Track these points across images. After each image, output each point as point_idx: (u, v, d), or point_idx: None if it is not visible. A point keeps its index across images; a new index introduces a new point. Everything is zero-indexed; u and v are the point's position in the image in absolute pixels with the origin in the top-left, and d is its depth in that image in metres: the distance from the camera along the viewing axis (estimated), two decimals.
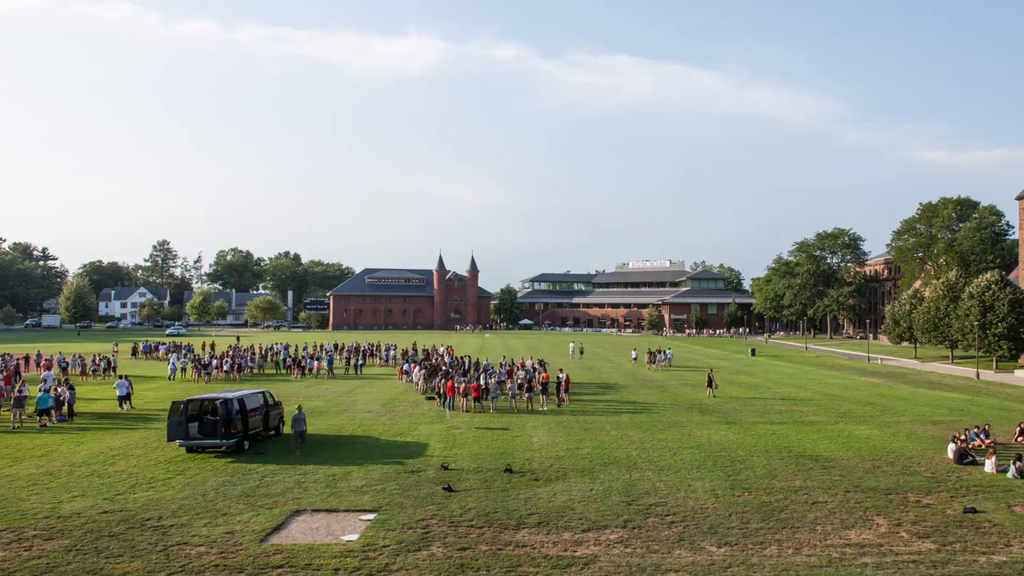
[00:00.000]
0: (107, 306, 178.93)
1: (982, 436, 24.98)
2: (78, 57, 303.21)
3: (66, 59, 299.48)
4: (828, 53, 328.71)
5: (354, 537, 15.07)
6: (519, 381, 36.06)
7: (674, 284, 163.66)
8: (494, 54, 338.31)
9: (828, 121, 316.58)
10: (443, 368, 43.32)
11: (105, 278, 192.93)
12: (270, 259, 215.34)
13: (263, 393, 26.77)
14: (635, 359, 64.85)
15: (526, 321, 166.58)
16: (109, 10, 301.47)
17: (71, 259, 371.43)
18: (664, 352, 61.44)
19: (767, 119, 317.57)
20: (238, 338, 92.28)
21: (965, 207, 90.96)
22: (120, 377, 35.91)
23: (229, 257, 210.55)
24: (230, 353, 52.31)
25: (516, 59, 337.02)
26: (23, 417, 28.95)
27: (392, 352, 63.82)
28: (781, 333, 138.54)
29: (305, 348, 65.33)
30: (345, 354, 58.70)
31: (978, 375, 52.46)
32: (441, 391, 34.35)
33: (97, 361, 49.96)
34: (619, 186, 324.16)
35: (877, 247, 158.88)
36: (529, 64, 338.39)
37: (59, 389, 31.64)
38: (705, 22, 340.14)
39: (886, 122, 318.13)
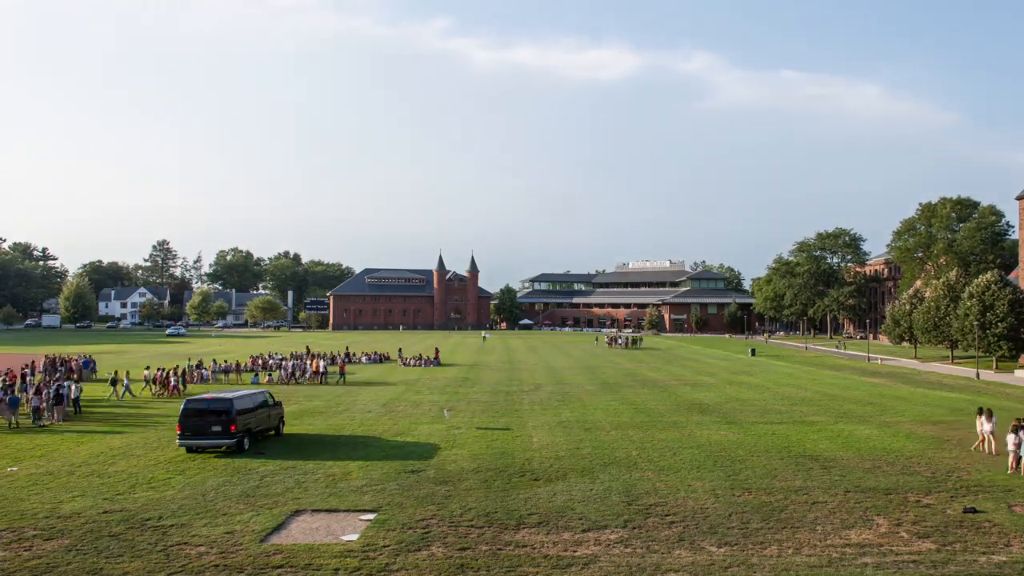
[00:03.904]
0: (107, 306, 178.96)
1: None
2: (83, 55, 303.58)
3: (70, 56, 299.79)
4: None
5: (354, 537, 15.07)
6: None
7: (674, 284, 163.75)
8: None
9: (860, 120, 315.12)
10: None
11: (105, 278, 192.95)
12: (270, 259, 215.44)
13: (263, 393, 26.79)
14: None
15: (526, 321, 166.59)
16: None
17: (71, 259, 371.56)
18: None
19: (779, 118, 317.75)
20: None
21: (965, 207, 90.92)
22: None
23: (229, 257, 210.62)
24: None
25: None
26: (17, 419, 29.22)
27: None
28: (781, 333, 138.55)
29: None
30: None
31: (978, 375, 52.46)
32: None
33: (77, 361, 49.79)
34: (621, 185, 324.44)
35: (878, 247, 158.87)
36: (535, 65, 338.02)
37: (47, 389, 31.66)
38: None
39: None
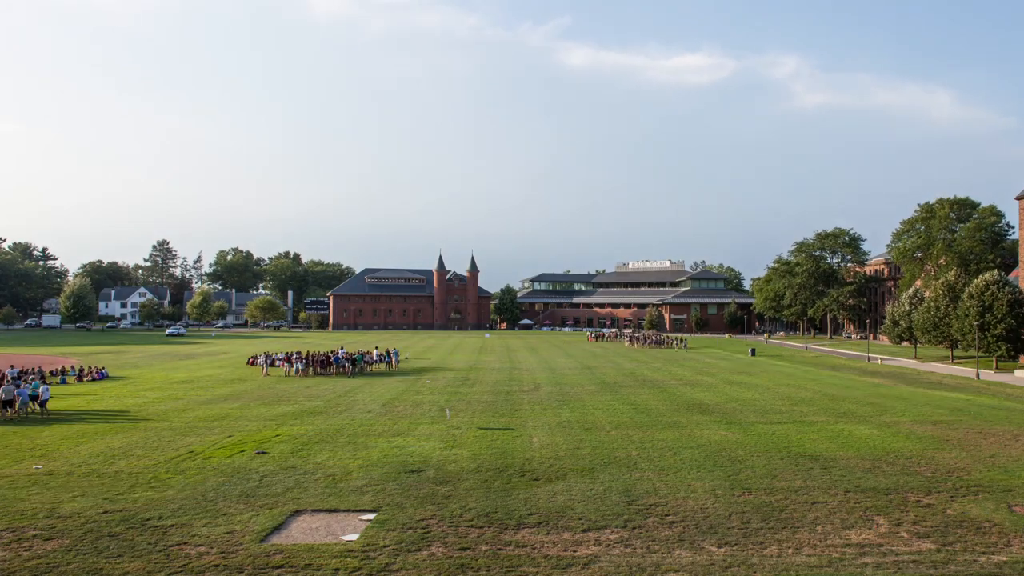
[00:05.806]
0: (107, 306, 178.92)
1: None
2: (82, 54, 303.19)
3: (75, 54, 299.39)
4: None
5: (354, 537, 15.06)
6: None
7: (674, 284, 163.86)
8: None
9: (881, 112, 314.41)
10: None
11: (105, 278, 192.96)
12: (270, 259, 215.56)
13: None
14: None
15: (526, 321, 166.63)
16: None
17: (71, 259, 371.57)
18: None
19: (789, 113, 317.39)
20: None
21: (964, 207, 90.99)
22: None
23: (229, 257, 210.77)
24: None
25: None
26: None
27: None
28: (781, 333, 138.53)
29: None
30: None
31: (978, 375, 52.47)
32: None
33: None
34: (621, 185, 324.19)
35: (878, 247, 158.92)
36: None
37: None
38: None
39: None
